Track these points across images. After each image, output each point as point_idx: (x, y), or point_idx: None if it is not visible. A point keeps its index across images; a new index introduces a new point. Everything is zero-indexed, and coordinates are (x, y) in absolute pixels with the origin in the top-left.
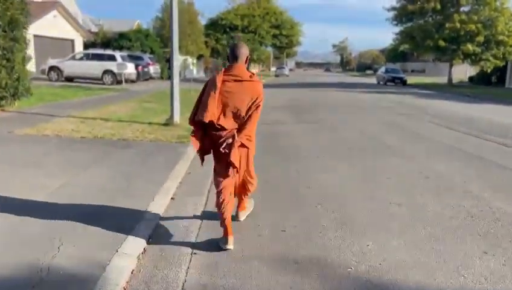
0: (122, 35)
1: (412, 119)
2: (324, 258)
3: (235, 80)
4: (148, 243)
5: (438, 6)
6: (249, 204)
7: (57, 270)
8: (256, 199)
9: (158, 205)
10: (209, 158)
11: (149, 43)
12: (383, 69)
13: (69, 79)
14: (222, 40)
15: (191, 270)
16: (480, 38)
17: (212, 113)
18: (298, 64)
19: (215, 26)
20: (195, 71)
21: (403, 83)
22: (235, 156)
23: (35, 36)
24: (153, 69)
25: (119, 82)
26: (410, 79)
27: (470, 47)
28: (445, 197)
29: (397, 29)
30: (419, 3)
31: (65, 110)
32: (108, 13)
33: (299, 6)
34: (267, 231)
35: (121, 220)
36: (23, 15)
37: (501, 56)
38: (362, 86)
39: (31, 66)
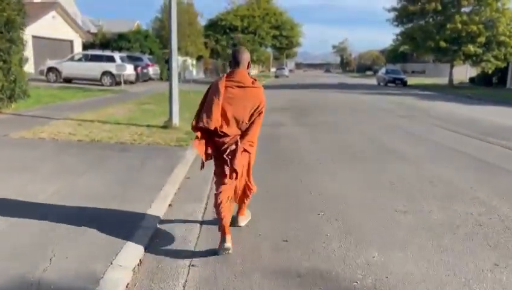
0: (121, 36)
1: (414, 121)
2: (328, 270)
3: (238, 86)
4: (145, 254)
5: (439, 7)
6: (247, 213)
7: (48, 285)
8: (257, 206)
9: (155, 213)
10: (209, 162)
11: (148, 44)
12: (383, 70)
13: (68, 80)
14: (222, 41)
15: (189, 284)
16: (482, 39)
17: (216, 120)
18: (298, 65)
19: (214, 27)
20: (194, 72)
21: (404, 84)
22: (238, 162)
23: (33, 37)
24: (152, 70)
25: (118, 83)
26: (411, 80)
27: (471, 48)
28: (452, 204)
29: (398, 30)
30: (420, 4)
31: (63, 112)
32: (108, 13)
33: (299, 7)
34: (268, 241)
35: (117, 229)
36: (20, 16)
37: (502, 57)
38: (362, 87)
39: (29, 67)
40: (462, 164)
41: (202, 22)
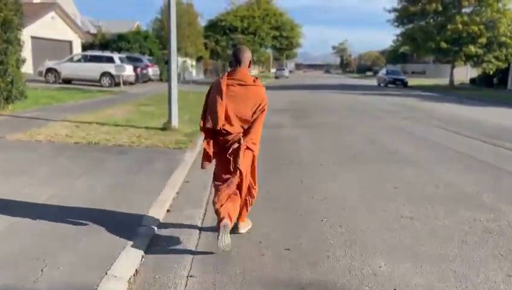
0: (121, 37)
1: (417, 123)
2: (333, 282)
3: (240, 85)
4: (141, 263)
5: (440, 8)
6: (247, 221)
7: None
8: (258, 212)
9: (153, 219)
10: (208, 165)
11: (148, 45)
12: (383, 70)
13: (67, 81)
14: (222, 41)
15: None
16: (483, 40)
17: (221, 119)
18: (298, 66)
19: (214, 27)
20: (194, 73)
21: (404, 84)
22: (242, 161)
23: (32, 38)
24: (152, 71)
25: (117, 84)
26: (411, 81)
27: (472, 49)
28: (458, 210)
29: (398, 30)
30: (420, 4)
31: (60, 113)
32: (108, 14)
33: (299, 7)
34: (270, 249)
35: (112, 237)
36: (17, 16)
37: (503, 58)
38: (363, 87)
39: (27, 68)
40: (467, 166)
41: (202, 22)
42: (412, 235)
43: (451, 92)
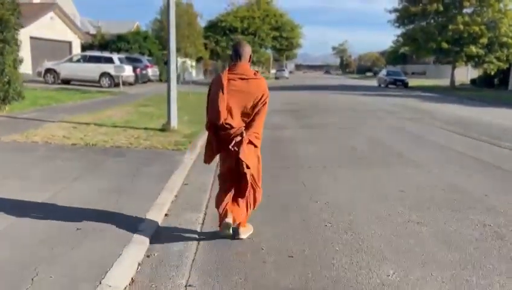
0: (120, 37)
1: (420, 124)
2: None
3: (241, 78)
4: (137, 271)
5: (441, 8)
6: (248, 226)
7: None
8: (260, 216)
9: (151, 224)
10: (207, 166)
11: (147, 45)
12: (384, 71)
13: (66, 82)
14: (222, 42)
15: None
16: (484, 40)
17: (224, 114)
18: (298, 67)
19: (214, 28)
20: (194, 73)
21: (405, 85)
22: (244, 153)
23: (31, 38)
24: (152, 71)
25: (116, 85)
26: (412, 81)
27: (473, 49)
28: (467, 214)
29: (399, 31)
30: (421, 5)
31: (58, 114)
32: (107, 15)
33: (299, 8)
34: (273, 256)
35: (108, 243)
36: (14, 16)
37: (504, 58)
38: (363, 88)
39: (26, 69)
40: (473, 168)
41: (202, 23)
42: (421, 241)
43: (451, 93)
